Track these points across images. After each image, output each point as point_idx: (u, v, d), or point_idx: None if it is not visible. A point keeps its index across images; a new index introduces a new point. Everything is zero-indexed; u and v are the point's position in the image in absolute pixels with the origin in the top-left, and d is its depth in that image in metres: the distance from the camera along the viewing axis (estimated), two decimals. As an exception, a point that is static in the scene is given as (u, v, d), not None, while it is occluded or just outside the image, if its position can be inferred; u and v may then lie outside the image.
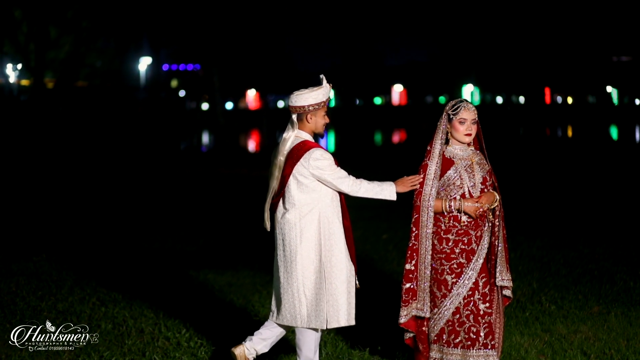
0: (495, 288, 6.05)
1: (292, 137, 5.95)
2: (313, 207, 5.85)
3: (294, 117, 5.95)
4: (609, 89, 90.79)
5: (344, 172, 5.88)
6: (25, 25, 49.82)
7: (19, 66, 54.14)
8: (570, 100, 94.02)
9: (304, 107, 5.90)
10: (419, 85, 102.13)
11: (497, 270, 6.00)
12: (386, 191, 5.92)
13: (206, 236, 12.72)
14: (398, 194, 5.95)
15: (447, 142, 6.09)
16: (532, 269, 10.02)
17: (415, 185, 5.97)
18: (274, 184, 5.95)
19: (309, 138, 5.95)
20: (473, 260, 5.96)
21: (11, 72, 55.58)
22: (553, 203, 16.42)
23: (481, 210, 5.91)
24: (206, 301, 8.68)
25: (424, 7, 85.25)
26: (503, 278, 6.01)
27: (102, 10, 50.33)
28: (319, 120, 5.96)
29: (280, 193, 5.93)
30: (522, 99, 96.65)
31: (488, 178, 6.05)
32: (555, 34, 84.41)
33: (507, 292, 6.09)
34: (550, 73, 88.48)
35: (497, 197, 6.01)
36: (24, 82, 60.37)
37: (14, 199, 17.60)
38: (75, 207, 16.20)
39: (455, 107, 5.99)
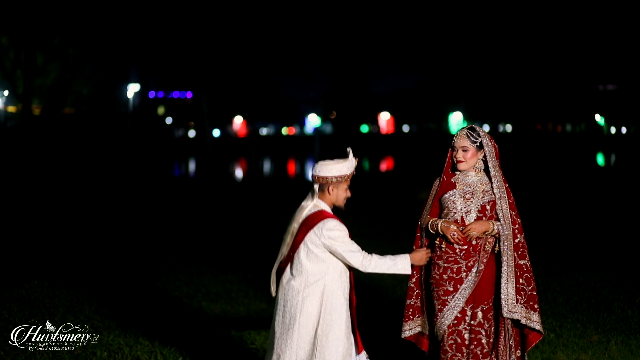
0: (504, 320, 5.96)
1: (310, 205, 5.81)
2: (319, 277, 5.68)
3: (316, 186, 5.79)
4: (597, 117, 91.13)
5: (356, 246, 5.75)
6: (12, 51, 49.75)
7: (6, 93, 54.01)
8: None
9: (327, 177, 5.74)
10: (407, 113, 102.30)
11: (503, 300, 5.90)
12: (399, 265, 5.79)
13: (197, 264, 12.60)
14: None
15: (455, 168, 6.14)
16: (529, 297, 9.95)
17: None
18: (284, 250, 5.80)
19: (327, 209, 5.79)
20: (460, 290, 5.91)
21: (-2, 99, 55.43)
22: (546, 230, 16.38)
23: (455, 234, 5.86)
24: (201, 329, 8.58)
25: (412, 34, 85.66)
26: (510, 310, 5.88)
27: (89, 37, 50.31)
28: (341, 194, 5.80)
29: (289, 258, 5.77)
30: (509, 127, 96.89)
31: (489, 208, 6.00)
32: (542, 63, 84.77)
33: (532, 324, 5.92)
34: (537, 101, 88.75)
35: (493, 228, 5.93)
36: (11, 109, 60.19)
37: (3, 225, 17.44)
38: (66, 232, 16.07)
39: (454, 134, 6.06)
